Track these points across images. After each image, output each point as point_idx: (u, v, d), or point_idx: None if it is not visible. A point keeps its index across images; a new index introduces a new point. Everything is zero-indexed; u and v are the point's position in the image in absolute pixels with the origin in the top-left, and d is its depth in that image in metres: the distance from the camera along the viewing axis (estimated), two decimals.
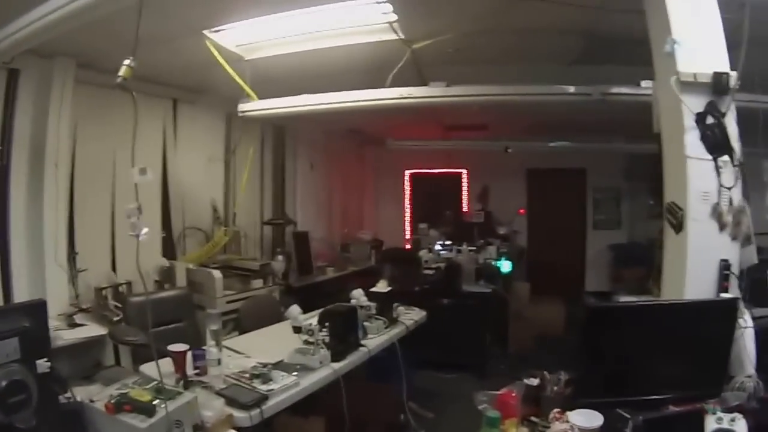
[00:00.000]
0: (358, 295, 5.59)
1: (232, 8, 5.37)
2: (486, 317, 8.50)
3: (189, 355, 4.05)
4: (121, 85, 3.37)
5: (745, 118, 3.54)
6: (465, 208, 15.09)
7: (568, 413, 2.87)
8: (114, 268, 7.14)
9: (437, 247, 10.78)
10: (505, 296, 9.33)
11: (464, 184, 15.40)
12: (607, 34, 5.64)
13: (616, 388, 2.92)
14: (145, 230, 3.20)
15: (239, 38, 6.17)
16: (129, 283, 6.65)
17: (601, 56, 6.17)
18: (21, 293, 6.01)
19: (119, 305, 6.05)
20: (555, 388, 3.31)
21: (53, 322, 5.63)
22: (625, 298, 6.64)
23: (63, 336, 5.42)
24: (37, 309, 3.24)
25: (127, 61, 3.38)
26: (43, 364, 2.98)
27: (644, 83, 5.48)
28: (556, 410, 2.94)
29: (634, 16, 4.16)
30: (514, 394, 3.15)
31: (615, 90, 5.89)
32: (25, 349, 2.90)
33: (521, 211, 14.63)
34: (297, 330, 4.66)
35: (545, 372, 3.42)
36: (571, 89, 6.07)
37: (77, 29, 4.42)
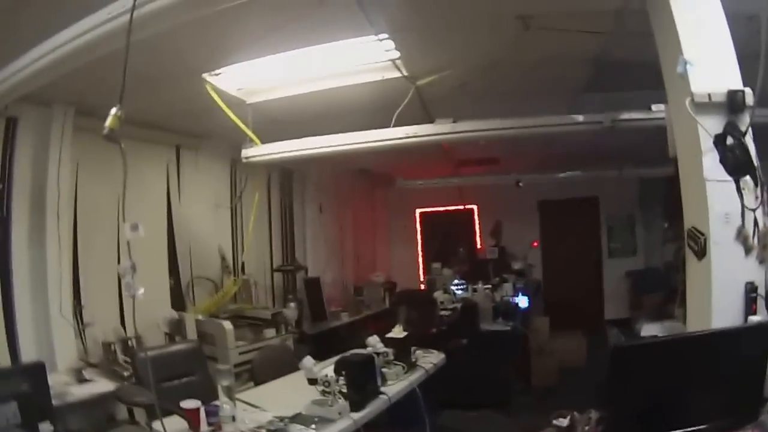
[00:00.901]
0: (374, 342, 5.45)
1: (231, 50, 5.30)
2: (507, 355, 8.32)
3: (202, 411, 3.93)
4: (109, 136, 3.25)
5: (759, 133, 3.42)
6: (478, 244, 14.95)
7: None
8: (123, 321, 7.01)
9: (453, 286, 10.59)
10: (524, 333, 9.20)
11: (476, 220, 15.30)
12: (616, 60, 5.54)
13: (649, 424, 2.77)
14: (140, 290, 3.09)
15: (240, 81, 6.14)
16: (139, 337, 6.51)
17: (611, 83, 6.08)
18: (27, 348, 5.92)
19: (128, 360, 5.89)
20: (586, 428, 3.14)
21: (61, 377, 5.59)
22: (647, 326, 6.46)
23: (72, 392, 5.31)
24: (36, 371, 3.14)
25: (113, 111, 3.26)
26: (46, 428, 2.87)
27: (655, 107, 5.40)
28: None
29: (642, 40, 4.06)
30: None
31: (626, 116, 5.79)
32: (25, 413, 2.80)
33: (535, 244, 14.52)
34: (312, 382, 4.50)
35: (574, 412, 3.26)
36: (582, 118, 5.97)
37: (73, 76, 4.36)
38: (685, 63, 3.39)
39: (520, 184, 12.31)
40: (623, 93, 6.10)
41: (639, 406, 2.80)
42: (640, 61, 4.41)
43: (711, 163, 3.28)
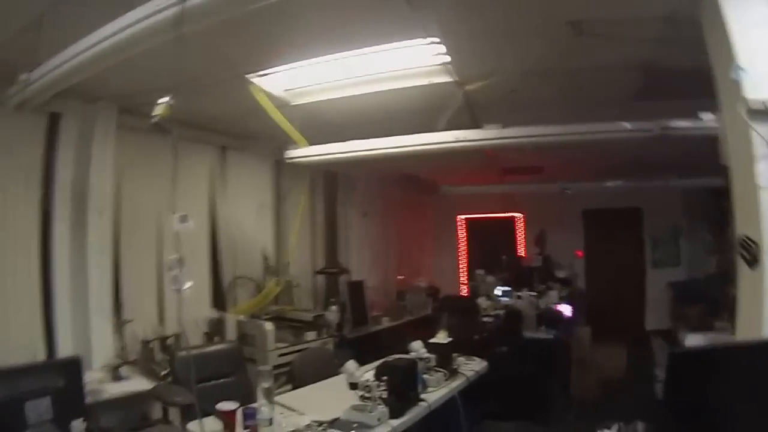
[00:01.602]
0: (417, 347, 5.39)
1: (277, 51, 5.27)
2: (548, 364, 8.22)
3: (239, 413, 3.90)
4: (158, 124, 3.23)
5: None
6: (522, 252, 14.90)
7: None
8: (161, 320, 7.04)
9: (498, 292, 10.53)
10: (567, 342, 9.09)
11: (520, 228, 15.25)
12: (666, 68, 5.45)
13: None
14: (188, 284, 3.06)
15: (286, 83, 6.10)
16: (177, 335, 6.51)
17: (660, 91, 5.99)
18: (65, 344, 5.98)
19: (167, 358, 5.89)
20: None
21: (97, 374, 5.62)
22: (690, 337, 6.36)
23: (107, 389, 5.35)
24: (72, 367, 3.12)
25: (165, 99, 3.24)
26: (78, 425, 2.85)
27: (704, 115, 5.29)
28: None
29: (693, 47, 3.97)
30: None
31: (675, 124, 5.70)
32: (58, 409, 2.78)
33: (579, 253, 14.41)
34: (353, 386, 4.45)
35: (620, 423, 3.18)
36: (630, 126, 5.88)
37: (118, 73, 4.35)
38: (739, 69, 3.31)
39: (568, 191, 12.17)
40: (672, 102, 6.00)
41: (697, 415, 2.72)
42: (689, 69, 4.33)
43: (765, 170, 3.20)
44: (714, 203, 11.69)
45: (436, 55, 5.21)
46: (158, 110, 3.24)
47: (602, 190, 12.34)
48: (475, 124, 6.33)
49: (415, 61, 5.46)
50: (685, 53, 4.40)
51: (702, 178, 10.44)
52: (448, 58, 5.28)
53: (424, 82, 5.83)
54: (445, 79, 5.71)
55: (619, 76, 5.91)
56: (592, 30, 4.63)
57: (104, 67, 4.07)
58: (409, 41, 5.02)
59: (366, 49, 5.23)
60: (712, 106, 3.96)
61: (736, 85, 3.33)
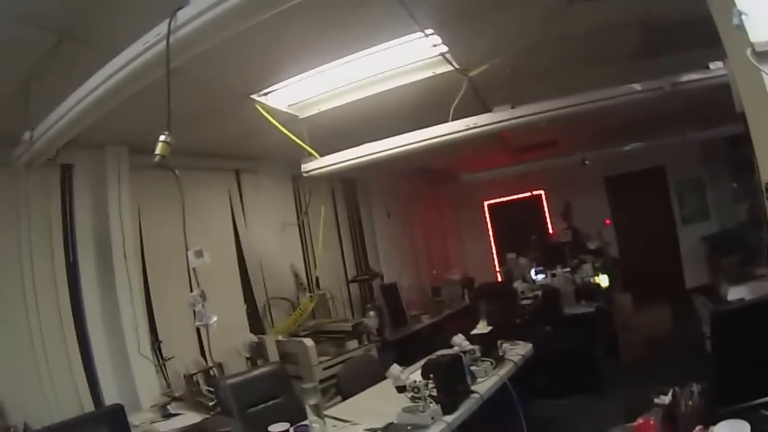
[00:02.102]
0: (459, 341, 5.39)
1: (275, 68, 5.28)
2: (593, 337, 8.18)
3: None
4: (161, 164, 3.20)
5: None
6: (550, 229, 14.85)
7: (713, 428, 2.59)
8: (202, 352, 7.04)
9: (533, 273, 10.48)
10: (609, 311, 9.07)
11: (545, 205, 15.19)
12: (665, 22, 5.39)
13: (755, 389, 2.65)
14: (213, 318, 3.04)
15: (289, 98, 6.10)
16: (220, 365, 6.51)
17: (663, 47, 5.93)
18: (109, 390, 6.00)
19: (212, 389, 5.89)
20: (690, 402, 3.01)
21: (147, 415, 5.66)
22: (732, 290, 6.25)
23: (159, 429, 5.35)
24: (116, 415, 3.10)
25: (161, 137, 3.22)
26: None
27: (713, 65, 5.23)
28: (699, 427, 2.66)
29: None
30: (652, 422, 2.86)
31: (685, 78, 5.62)
32: None
33: (607, 221, 14.37)
34: (401, 390, 4.41)
35: (675, 387, 3.12)
36: (641, 86, 5.80)
37: (121, 116, 4.35)
38: (740, 14, 3.25)
39: (586, 162, 12.07)
40: (678, 55, 5.94)
41: (742, 372, 2.69)
42: (690, 20, 4.27)
43: None
44: (733, 151, 11.62)
45: (434, 46, 5.19)
46: (158, 149, 3.22)
47: (620, 155, 12.25)
48: (485, 109, 6.29)
49: (415, 55, 5.45)
50: (682, 4, 4.35)
51: (719, 128, 10.35)
52: (445, 48, 5.26)
53: (427, 74, 5.82)
54: (447, 68, 5.67)
55: (618, 36, 5.87)
56: None
57: (104, 112, 4.06)
58: (405, 37, 5.00)
59: (364, 51, 5.23)
60: (721, 54, 3.89)
61: (739, 30, 3.28)
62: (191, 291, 6.86)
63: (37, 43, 3.89)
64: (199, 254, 3.18)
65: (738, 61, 3.45)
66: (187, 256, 3.20)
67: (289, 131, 6.28)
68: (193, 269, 3.11)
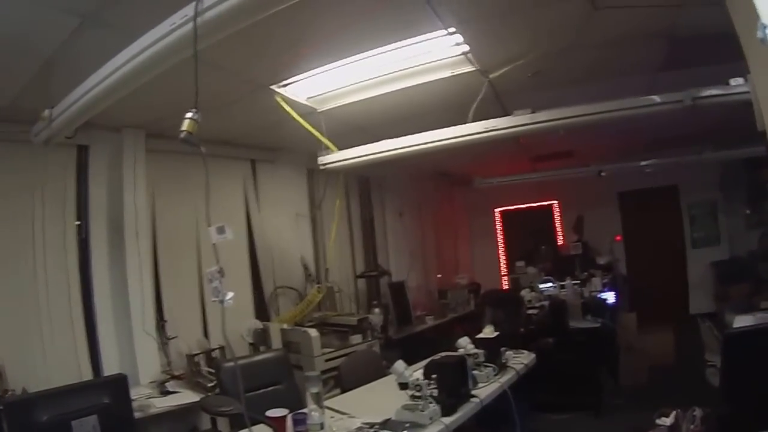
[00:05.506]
0: (464, 344, 5.36)
1: (297, 59, 5.28)
2: (596, 353, 8.15)
3: (289, 419, 3.91)
4: (186, 140, 3.21)
5: None
6: (560, 240, 14.81)
7: None
8: (206, 333, 7.12)
9: (540, 284, 10.44)
10: (614, 329, 9.00)
11: (556, 216, 15.17)
12: (689, 35, 5.38)
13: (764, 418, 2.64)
14: (230, 295, 3.04)
15: (309, 90, 6.10)
16: (222, 348, 6.55)
17: (686, 60, 5.92)
18: (110, 363, 6.10)
19: (213, 371, 5.93)
20: (691, 426, 3.02)
21: (145, 390, 5.77)
22: (738, 318, 6.23)
23: (155, 404, 5.45)
24: (118, 384, 3.14)
25: (189, 114, 3.22)
26: None
27: (733, 81, 5.21)
28: None
29: (715, 10, 3.89)
30: None
31: (706, 93, 5.60)
32: (106, 426, 2.79)
33: (618, 237, 14.32)
34: (403, 386, 4.41)
35: (678, 410, 3.13)
36: (660, 98, 5.79)
37: (140, 100, 4.38)
38: (765, 27, 3.24)
39: (602, 173, 12.02)
40: (699, 69, 5.92)
41: (755, 399, 2.68)
42: (713, 34, 4.26)
43: None
44: (751, 175, 11.55)
45: (455, 45, 5.19)
46: (185, 126, 3.22)
47: (636, 170, 12.17)
48: (505, 112, 6.28)
49: (436, 53, 5.43)
50: (706, 17, 4.35)
51: (737, 149, 10.28)
52: (467, 47, 5.25)
53: (447, 74, 5.82)
54: (468, 68, 5.69)
55: (642, 47, 5.88)
56: (610, 2, 4.57)
57: (125, 93, 4.06)
58: (426, 34, 4.98)
59: (385, 47, 5.21)
60: (741, 70, 3.87)
61: (764, 45, 3.27)
62: (201, 272, 6.96)
63: (60, 25, 3.91)
64: (221, 230, 3.18)
65: (762, 76, 3.44)
66: (208, 232, 3.19)
67: (307, 123, 6.30)
68: (213, 245, 3.10)
